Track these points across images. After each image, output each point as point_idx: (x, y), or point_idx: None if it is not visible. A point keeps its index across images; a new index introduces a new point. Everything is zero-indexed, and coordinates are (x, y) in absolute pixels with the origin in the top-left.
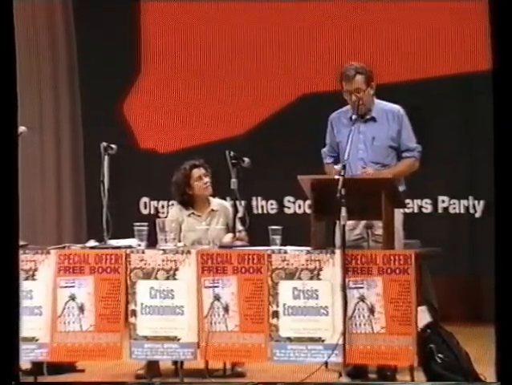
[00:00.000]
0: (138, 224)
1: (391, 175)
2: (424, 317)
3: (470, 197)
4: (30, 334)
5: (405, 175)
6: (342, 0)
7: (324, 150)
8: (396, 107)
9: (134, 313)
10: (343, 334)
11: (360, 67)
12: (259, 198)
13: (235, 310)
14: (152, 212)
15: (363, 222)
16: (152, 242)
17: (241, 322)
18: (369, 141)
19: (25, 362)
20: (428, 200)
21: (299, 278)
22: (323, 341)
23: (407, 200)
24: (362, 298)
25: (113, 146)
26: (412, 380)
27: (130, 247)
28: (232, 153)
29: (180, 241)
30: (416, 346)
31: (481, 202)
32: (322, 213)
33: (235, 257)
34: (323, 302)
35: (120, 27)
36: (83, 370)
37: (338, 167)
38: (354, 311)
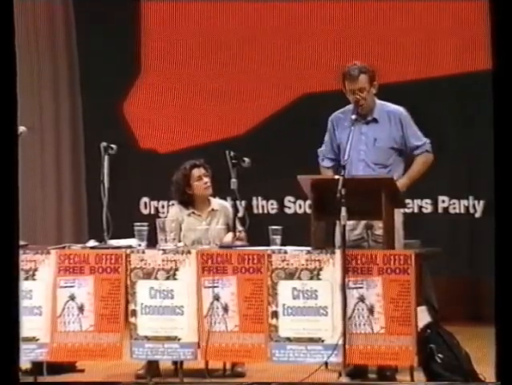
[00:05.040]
0: (138, 224)
1: (410, 180)
2: (423, 317)
3: (470, 197)
4: (30, 334)
5: (423, 172)
6: (342, 0)
7: (321, 150)
8: (399, 109)
9: (134, 313)
10: (343, 334)
11: (363, 67)
12: (259, 198)
13: (234, 310)
14: (152, 212)
15: (363, 222)
16: (152, 242)
17: (240, 322)
18: (371, 142)
19: (25, 363)
20: (429, 200)
21: (299, 278)
22: (322, 341)
23: (407, 200)
24: (361, 298)
25: (113, 146)
26: (412, 380)
27: (130, 247)
28: (232, 153)
29: (180, 241)
30: (415, 347)
31: (481, 202)
32: (322, 213)
33: (235, 257)
34: (322, 302)
35: (120, 27)
36: (82, 370)
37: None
38: (353, 311)
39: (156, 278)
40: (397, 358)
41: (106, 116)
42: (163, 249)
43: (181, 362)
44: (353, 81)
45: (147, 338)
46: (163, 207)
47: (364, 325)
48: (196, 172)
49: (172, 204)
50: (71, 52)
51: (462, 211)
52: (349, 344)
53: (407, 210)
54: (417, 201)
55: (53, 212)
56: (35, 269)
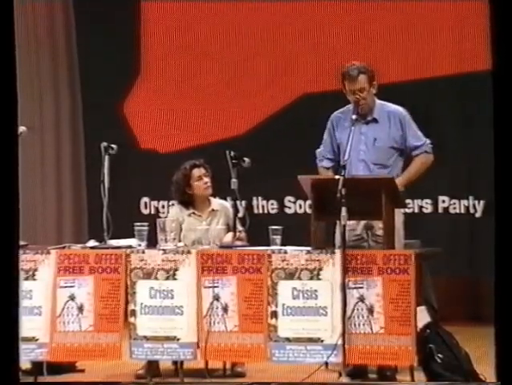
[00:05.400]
0: (138, 224)
1: (407, 179)
2: (423, 317)
3: (470, 197)
4: (30, 334)
5: (422, 172)
6: (343, 0)
7: (319, 150)
8: (399, 109)
9: (134, 313)
10: (343, 334)
11: (363, 67)
12: (259, 198)
13: (234, 310)
14: (152, 212)
15: (363, 222)
16: (152, 242)
17: (240, 322)
18: (370, 142)
19: (25, 362)
20: (429, 200)
21: (299, 278)
22: (322, 341)
23: (407, 200)
24: (361, 298)
25: (113, 146)
26: (413, 380)
27: (130, 247)
28: (232, 153)
29: (180, 241)
30: (415, 347)
31: (481, 202)
32: (322, 213)
33: (235, 257)
34: (322, 302)
35: (121, 27)
36: (83, 370)
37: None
38: (353, 311)
39: (156, 278)
40: (397, 358)
41: (106, 116)
42: (163, 249)
43: (181, 362)
44: (353, 81)
45: (146, 338)
46: (163, 207)
47: (364, 325)
48: (196, 172)
49: (173, 204)
50: (71, 52)
51: (462, 211)
52: (349, 344)
53: (407, 210)
54: (417, 201)
55: (53, 212)
56: (35, 269)
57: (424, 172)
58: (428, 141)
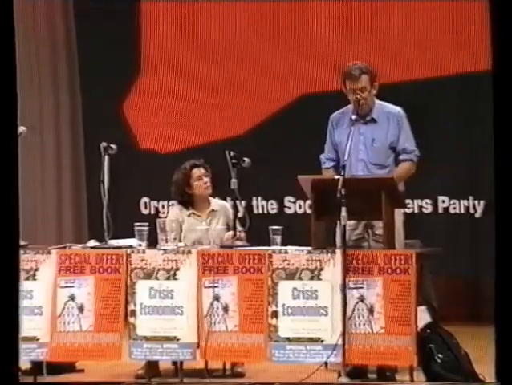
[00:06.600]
0: (138, 224)
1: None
2: (423, 317)
3: (470, 197)
4: (31, 334)
5: (404, 179)
6: (342, 0)
7: (323, 155)
8: (397, 109)
9: (133, 313)
10: (343, 334)
11: (365, 67)
12: (259, 198)
13: (235, 310)
14: (152, 212)
15: (363, 222)
16: (152, 242)
17: (240, 322)
18: (369, 142)
19: (24, 363)
20: (429, 200)
21: (300, 278)
22: (322, 341)
23: (407, 200)
24: (361, 298)
25: (113, 146)
26: (412, 380)
27: (131, 247)
28: (232, 153)
29: (180, 241)
30: (415, 347)
31: (481, 202)
32: (322, 213)
33: (236, 257)
34: (322, 302)
35: (121, 27)
36: (82, 370)
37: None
38: (353, 311)
39: (156, 278)
40: (397, 358)
41: (106, 116)
42: (163, 249)
43: (181, 362)
44: (354, 81)
45: (146, 338)
46: (163, 207)
47: (364, 325)
48: (196, 172)
49: (172, 205)
50: (71, 52)
51: (462, 211)
52: (349, 344)
53: (407, 210)
54: (417, 201)
55: (53, 212)
56: (36, 269)
57: (406, 179)
58: (417, 150)
